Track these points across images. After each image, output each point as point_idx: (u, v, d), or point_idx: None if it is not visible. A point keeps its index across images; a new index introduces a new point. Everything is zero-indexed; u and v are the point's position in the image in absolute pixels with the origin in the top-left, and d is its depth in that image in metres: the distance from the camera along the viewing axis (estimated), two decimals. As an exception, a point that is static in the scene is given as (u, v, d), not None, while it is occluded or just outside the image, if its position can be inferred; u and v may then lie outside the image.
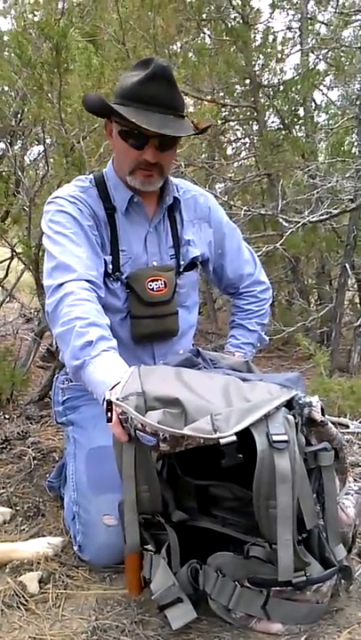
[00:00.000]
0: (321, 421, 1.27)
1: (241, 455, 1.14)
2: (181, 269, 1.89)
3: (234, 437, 1.12)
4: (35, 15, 3.55)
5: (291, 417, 1.21)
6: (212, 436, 1.13)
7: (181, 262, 1.89)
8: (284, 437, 1.16)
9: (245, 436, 1.16)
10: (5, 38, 3.49)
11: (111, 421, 1.26)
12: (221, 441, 1.12)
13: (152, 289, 1.78)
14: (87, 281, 1.60)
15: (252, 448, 1.16)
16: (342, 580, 1.37)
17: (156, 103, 1.62)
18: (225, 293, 2.27)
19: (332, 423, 1.33)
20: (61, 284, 1.57)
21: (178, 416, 1.18)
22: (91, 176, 1.86)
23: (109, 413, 1.26)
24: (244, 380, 1.39)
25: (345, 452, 1.38)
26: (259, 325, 2.10)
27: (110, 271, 1.76)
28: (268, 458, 1.15)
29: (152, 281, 1.78)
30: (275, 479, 1.15)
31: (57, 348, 2.42)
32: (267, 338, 2.19)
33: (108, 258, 1.76)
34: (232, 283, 2.09)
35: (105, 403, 1.28)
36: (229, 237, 2.03)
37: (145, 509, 1.34)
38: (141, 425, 1.17)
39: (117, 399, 1.23)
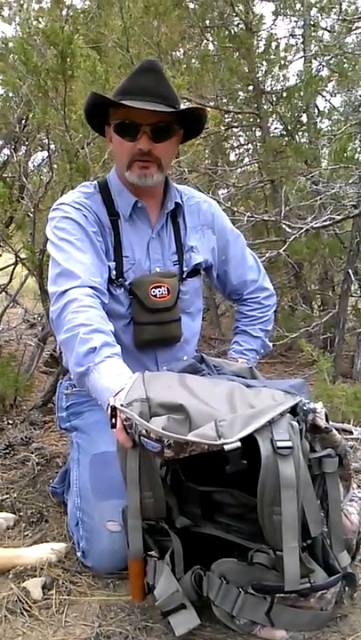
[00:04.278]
0: (325, 428, 1.27)
1: (245, 461, 1.14)
2: (184, 276, 1.89)
3: (238, 444, 1.12)
4: (39, 22, 3.57)
5: (295, 423, 1.21)
6: (217, 442, 1.13)
7: (185, 269, 1.89)
8: (289, 444, 1.16)
9: (250, 442, 1.16)
10: (10, 45, 3.51)
11: (115, 427, 1.26)
12: (226, 447, 1.12)
13: (155, 295, 1.78)
14: (91, 287, 1.60)
15: (256, 454, 1.16)
16: (346, 588, 1.37)
17: (146, 93, 1.64)
18: (229, 300, 2.28)
19: (336, 429, 1.33)
20: (65, 291, 1.58)
21: (182, 422, 1.19)
22: (95, 182, 1.88)
23: (114, 419, 1.26)
24: (248, 386, 1.40)
25: (349, 458, 1.38)
26: (262, 332, 2.10)
27: (114, 277, 1.77)
28: (272, 464, 1.15)
29: (155, 287, 1.78)
30: (279, 485, 1.15)
31: (60, 353, 2.43)
32: (270, 344, 2.19)
33: (112, 264, 1.77)
34: (236, 289, 2.09)
35: (109, 409, 1.28)
36: (233, 244, 2.03)
37: (149, 515, 1.34)
38: (146, 431, 1.17)
39: (121, 405, 1.23)
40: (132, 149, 1.71)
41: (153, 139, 1.69)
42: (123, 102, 1.63)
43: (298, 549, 1.17)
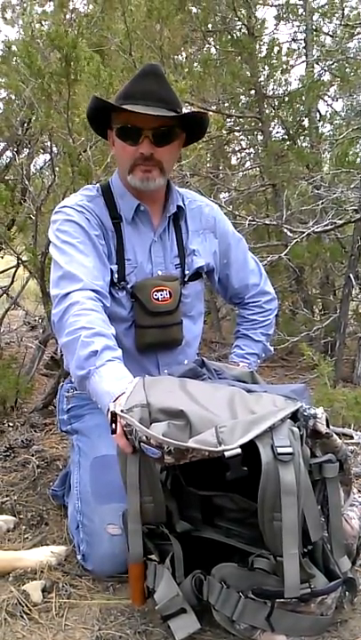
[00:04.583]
0: (326, 433, 1.28)
1: (246, 468, 1.14)
2: (186, 279, 1.90)
3: (238, 450, 1.12)
4: (42, 25, 3.58)
5: (296, 429, 1.21)
6: (217, 448, 1.13)
7: (186, 272, 1.90)
8: (289, 450, 1.16)
9: (250, 447, 1.16)
10: (13, 47, 3.51)
11: (116, 433, 1.26)
12: (226, 454, 1.12)
13: (157, 299, 1.79)
14: (93, 290, 1.61)
15: (257, 459, 1.16)
16: (347, 592, 1.37)
17: (147, 97, 1.65)
18: (230, 303, 2.28)
19: (337, 434, 1.33)
20: (67, 294, 1.58)
21: (182, 428, 1.18)
22: (97, 185, 1.88)
23: (114, 425, 1.26)
24: (248, 391, 1.40)
25: (349, 463, 1.38)
26: (264, 336, 2.11)
27: (116, 280, 1.77)
28: (272, 470, 1.15)
29: (157, 291, 1.79)
30: (280, 492, 1.15)
31: (61, 355, 2.43)
32: (271, 348, 2.19)
33: (114, 267, 1.77)
34: (237, 293, 2.10)
35: (109, 414, 1.28)
36: (235, 248, 2.04)
37: (149, 520, 1.34)
38: (146, 437, 1.17)
39: (122, 411, 1.23)
40: (134, 153, 1.71)
41: (155, 143, 1.69)
42: (124, 107, 1.63)
43: (298, 556, 1.17)
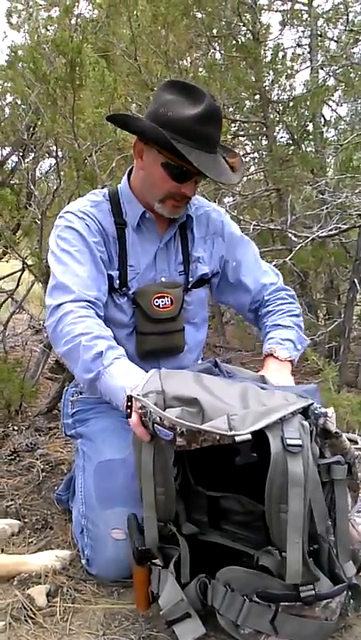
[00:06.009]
0: (335, 433, 1.28)
1: (255, 454, 1.15)
2: (190, 286, 1.89)
3: (249, 436, 1.14)
4: (48, 30, 3.60)
5: (306, 423, 1.21)
6: (228, 433, 1.14)
7: (190, 279, 1.89)
8: (299, 442, 1.17)
9: (260, 443, 1.16)
10: (19, 52, 3.53)
11: (130, 417, 1.28)
12: (237, 439, 1.13)
13: (158, 306, 1.78)
14: (85, 301, 1.61)
15: (265, 454, 1.17)
16: (351, 600, 1.36)
17: (208, 144, 1.63)
18: (252, 313, 2.04)
19: (343, 438, 1.33)
20: (60, 305, 1.60)
21: (195, 414, 1.21)
22: (105, 190, 1.88)
23: (129, 410, 1.28)
24: (261, 388, 1.40)
25: (357, 467, 1.37)
26: (294, 324, 1.90)
27: (117, 286, 1.77)
28: (281, 461, 1.16)
29: (158, 297, 1.78)
30: (287, 483, 1.16)
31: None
32: (306, 338, 1.95)
33: (116, 273, 1.77)
34: (255, 295, 1.98)
35: (125, 399, 1.30)
36: (244, 249, 1.99)
37: (159, 515, 1.34)
38: (160, 419, 1.19)
39: (138, 394, 1.25)
40: (172, 189, 1.71)
41: (196, 183, 1.73)
42: (197, 166, 1.58)
43: (301, 545, 1.17)
